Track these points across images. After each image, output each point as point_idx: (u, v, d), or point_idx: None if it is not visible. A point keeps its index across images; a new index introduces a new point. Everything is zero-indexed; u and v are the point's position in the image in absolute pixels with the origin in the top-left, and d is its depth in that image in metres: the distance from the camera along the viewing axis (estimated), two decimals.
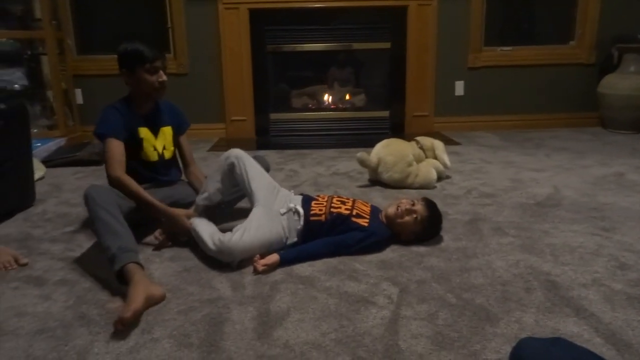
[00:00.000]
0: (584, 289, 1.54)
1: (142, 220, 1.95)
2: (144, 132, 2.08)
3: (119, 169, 1.92)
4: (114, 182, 1.90)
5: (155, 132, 2.12)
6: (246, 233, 1.74)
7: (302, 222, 1.85)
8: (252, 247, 1.74)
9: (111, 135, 1.96)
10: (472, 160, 3.28)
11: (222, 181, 1.92)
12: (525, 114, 4.38)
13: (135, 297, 1.41)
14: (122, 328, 1.34)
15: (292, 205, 1.88)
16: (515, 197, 2.46)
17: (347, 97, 4.46)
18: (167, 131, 2.16)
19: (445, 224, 2.03)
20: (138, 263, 1.56)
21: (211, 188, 1.93)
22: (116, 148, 1.95)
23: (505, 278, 1.62)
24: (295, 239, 1.84)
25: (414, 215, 1.85)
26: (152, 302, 1.47)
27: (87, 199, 1.73)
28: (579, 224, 2.09)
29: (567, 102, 4.39)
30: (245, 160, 1.90)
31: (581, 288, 1.54)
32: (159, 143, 2.13)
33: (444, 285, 1.58)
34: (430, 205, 1.91)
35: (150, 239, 1.97)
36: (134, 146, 2.05)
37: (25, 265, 1.78)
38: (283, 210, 1.87)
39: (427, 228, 1.89)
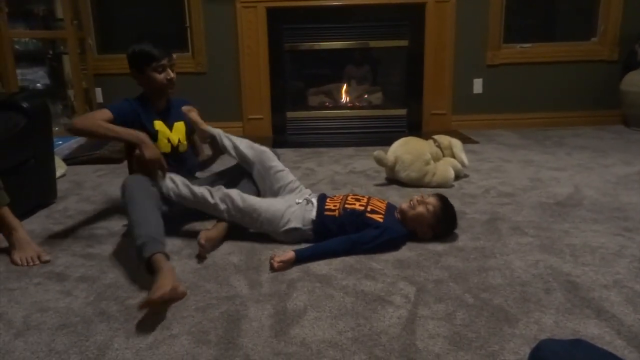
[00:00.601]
0: (605, 290, 1.51)
1: (172, 216, 1.97)
2: (159, 124, 2.11)
3: (89, 122, 1.93)
4: (80, 130, 1.92)
5: (169, 126, 2.15)
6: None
7: (314, 213, 1.90)
8: (244, 197, 1.91)
9: (108, 108, 1.99)
10: (490, 159, 3.25)
11: (249, 155, 2.12)
12: (545, 112, 4.31)
13: (164, 282, 1.43)
14: (147, 308, 1.40)
15: (307, 196, 2.00)
16: (535, 197, 2.43)
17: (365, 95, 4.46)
18: (180, 126, 2.19)
19: (463, 223, 2.01)
20: (165, 254, 1.58)
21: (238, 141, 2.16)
22: (102, 114, 1.96)
23: (524, 278, 1.60)
24: (299, 226, 1.88)
25: (427, 206, 1.86)
26: (175, 294, 1.46)
27: (124, 189, 1.79)
28: (600, 224, 2.05)
29: (588, 99, 4.31)
30: (278, 160, 2.14)
31: (602, 289, 1.52)
32: (174, 136, 2.15)
33: (461, 285, 1.57)
34: (442, 198, 1.94)
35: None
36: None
37: (47, 262, 1.81)
38: (299, 200, 1.96)
39: (442, 220, 1.89)
